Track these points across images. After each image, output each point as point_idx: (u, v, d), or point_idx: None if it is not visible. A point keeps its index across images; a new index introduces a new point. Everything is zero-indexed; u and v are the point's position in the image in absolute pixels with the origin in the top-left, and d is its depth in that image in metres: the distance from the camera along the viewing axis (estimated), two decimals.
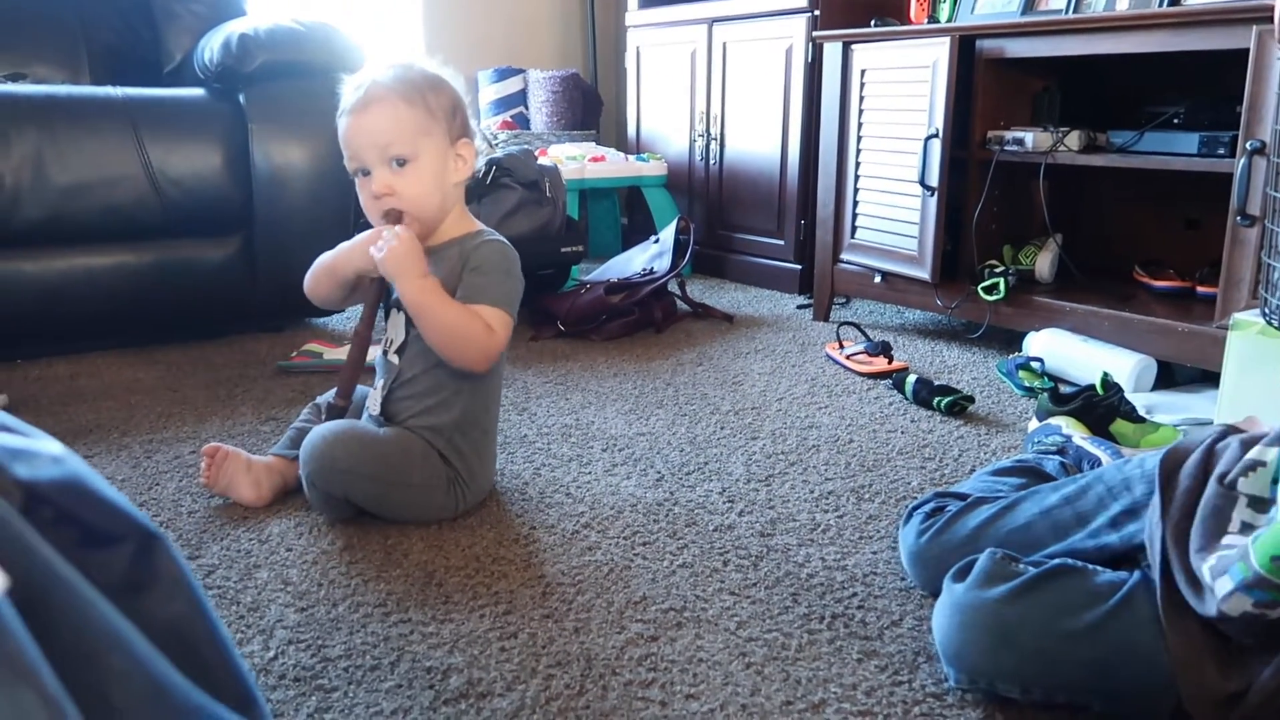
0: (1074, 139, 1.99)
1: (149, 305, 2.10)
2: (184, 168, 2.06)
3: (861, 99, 2.26)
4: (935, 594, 1.08)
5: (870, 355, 2.02)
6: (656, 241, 2.56)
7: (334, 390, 1.39)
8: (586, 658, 0.96)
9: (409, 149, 1.23)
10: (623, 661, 0.96)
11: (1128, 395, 1.60)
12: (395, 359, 1.30)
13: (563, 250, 2.45)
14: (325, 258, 1.33)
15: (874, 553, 1.19)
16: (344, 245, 1.32)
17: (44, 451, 0.44)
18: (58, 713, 0.34)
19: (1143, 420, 1.56)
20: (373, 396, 1.33)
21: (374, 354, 1.37)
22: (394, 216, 1.25)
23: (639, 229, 3.18)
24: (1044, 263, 2.13)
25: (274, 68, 2.12)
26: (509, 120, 3.36)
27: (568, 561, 1.17)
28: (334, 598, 1.08)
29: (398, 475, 1.23)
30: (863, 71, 2.25)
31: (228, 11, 2.49)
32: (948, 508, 1.10)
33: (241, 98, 2.14)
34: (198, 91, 2.18)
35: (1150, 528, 0.89)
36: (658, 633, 1.01)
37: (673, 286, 2.50)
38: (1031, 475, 1.19)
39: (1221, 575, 0.77)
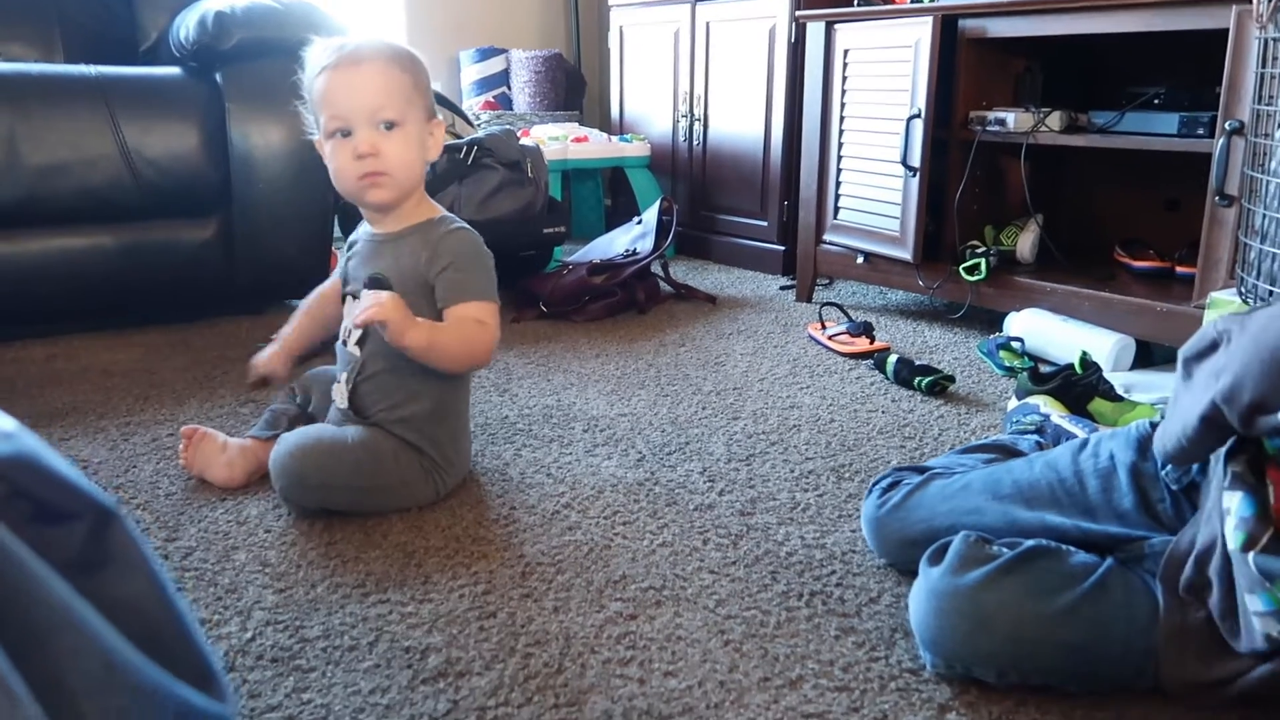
0: (1055, 119, 1.99)
1: (126, 287, 2.08)
2: (160, 148, 2.03)
3: (844, 79, 2.25)
4: (892, 563, 1.10)
5: (852, 336, 2.02)
6: (639, 223, 2.55)
7: (311, 371, 1.41)
8: (565, 636, 0.97)
9: (399, 114, 1.20)
10: (602, 640, 0.96)
11: (1106, 374, 1.61)
12: (356, 350, 1.27)
13: (545, 231, 2.44)
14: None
15: (853, 531, 1.20)
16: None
17: None
18: (6, 693, 0.34)
19: (1121, 399, 1.57)
20: (338, 389, 1.30)
21: None
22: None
23: (622, 210, 3.17)
24: (1025, 243, 2.14)
25: (252, 46, 2.09)
26: (491, 100, 3.33)
27: (548, 541, 1.17)
28: (312, 579, 1.08)
29: (372, 480, 1.21)
30: (845, 51, 2.24)
31: None
32: (904, 481, 1.11)
33: (218, 76, 2.11)
34: (174, 70, 2.15)
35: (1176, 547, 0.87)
36: (637, 611, 1.01)
37: (655, 268, 2.49)
38: (1003, 454, 1.19)
39: (1250, 595, 0.76)
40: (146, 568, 0.46)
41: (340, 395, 1.29)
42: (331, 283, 1.42)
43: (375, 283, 1.25)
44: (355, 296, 1.28)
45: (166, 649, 0.44)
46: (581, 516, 1.24)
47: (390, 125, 1.20)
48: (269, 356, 1.38)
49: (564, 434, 1.52)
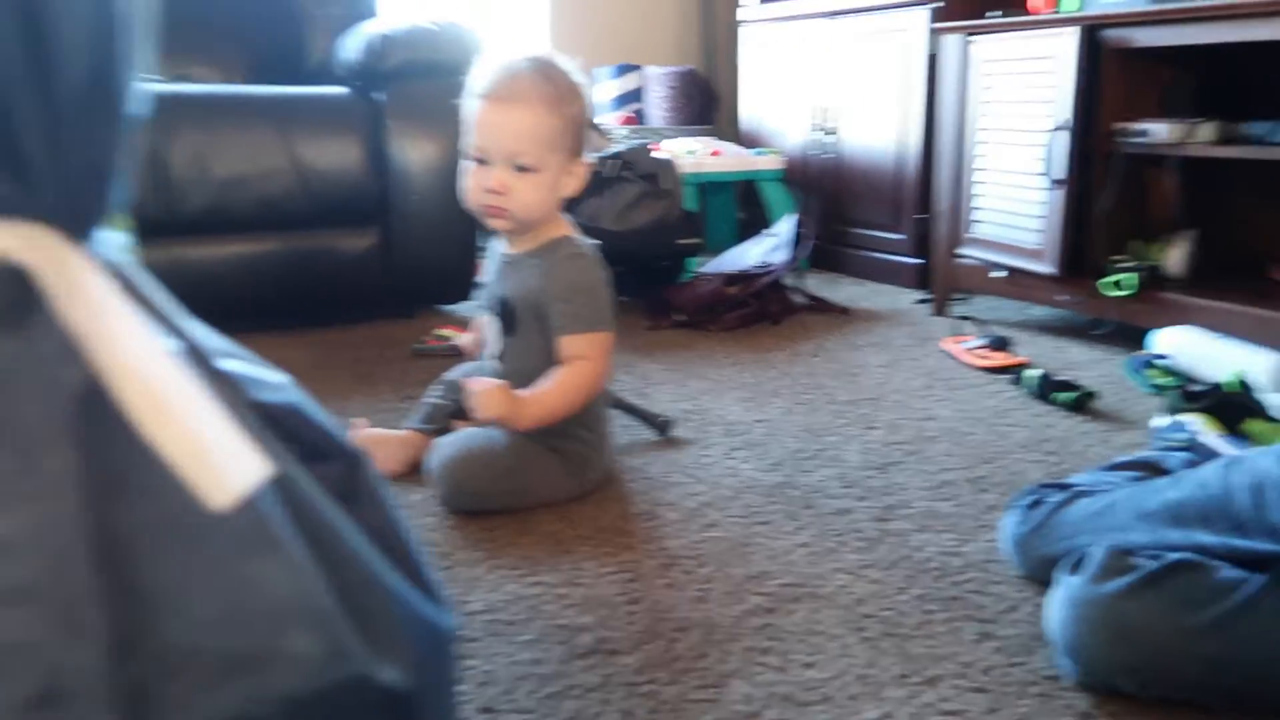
0: (1207, 130, 1.93)
1: (296, 290, 2.25)
2: (327, 162, 2.19)
3: (982, 91, 2.24)
4: (1035, 580, 1.09)
5: (989, 350, 2.01)
6: (773, 235, 2.58)
7: (460, 369, 1.54)
8: (708, 624, 1.01)
9: (536, 160, 1.24)
10: (742, 630, 1.00)
11: (1262, 395, 1.56)
12: (497, 364, 1.37)
13: (679, 242, 2.50)
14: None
15: (990, 541, 1.20)
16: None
17: (272, 379, 0.53)
18: (309, 576, 0.42)
19: (1277, 421, 1.51)
20: None
21: None
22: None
23: (755, 222, 3.21)
24: (1175, 258, 2.07)
25: (410, 66, 2.23)
26: (628, 116, 3.43)
27: (688, 537, 1.22)
28: (473, 559, 1.16)
29: (519, 482, 1.29)
30: (984, 63, 2.23)
31: (361, 13, 2.64)
32: (1048, 499, 1.10)
33: (379, 95, 2.26)
34: (340, 90, 2.32)
35: None
36: (776, 605, 1.05)
37: (789, 280, 2.52)
38: (1150, 471, 1.18)
39: None
40: (387, 504, 0.55)
41: None
42: None
43: (501, 306, 1.34)
44: (491, 312, 1.38)
45: (407, 572, 0.52)
46: (721, 515, 1.28)
47: (524, 169, 1.24)
48: (467, 343, 1.57)
49: (702, 437, 1.57)
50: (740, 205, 3.48)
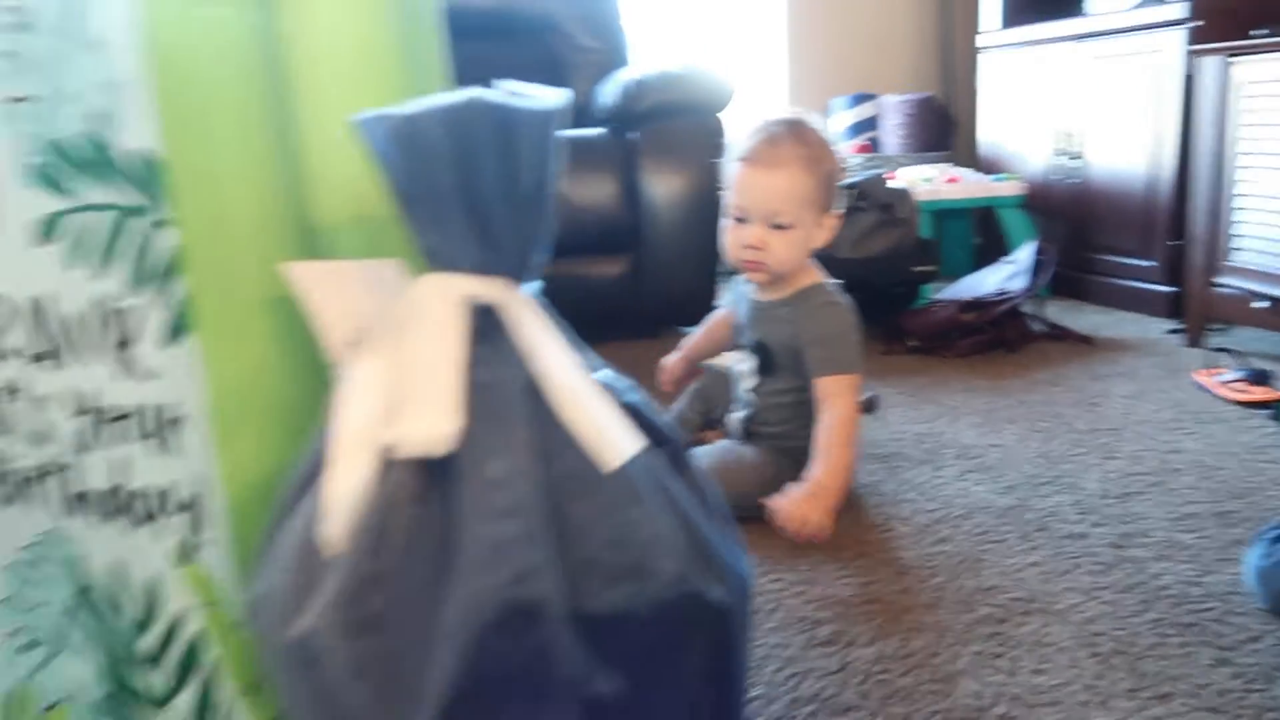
0: None
1: (564, 312, 2.49)
2: (588, 197, 2.42)
3: (1244, 114, 2.15)
4: (1277, 614, 1.10)
5: (1247, 383, 1.93)
6: (1011, 262, 2.58)
7: (700, 384, 1.71)
8: (939, 628, 1.10)
9: (793, 218, 1.35)
10: (972, 635, 1.08)
11: None
12: (753, 398, 1.50)
13: (914, 269, 2.55)
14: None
15: (1235, 573, 1.20)
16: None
17: (625, 385, 0.75)
18: (664, 521, 0.62)
19: None
20: (735, 421, 1.53)
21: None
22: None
23: (992, 249, 3.18)
24: None
25: (661, 108, 2.43)
26: (864, 144, 3.50)
27: (920, 550, 1.30)
28: None
29: (764, 493, 1.37)
30: (1246, 85, 2.14)
31: (616, 60, 2.89)
32: None
33: (633, 135, 2.47)
34: (599, 131, 2.55)
35: None
36: (1006, 616, 1.12)
37: (1028, 307, 2.50)
38: None
39: None
40: (701, 477, 0.76)
41: (737, 429, 1.53)
42: (724, 311, 1.65)
43: (759, 349, 1.47)
44: (749, 352, 1.51)
45: (719, 526, 0.73)
46: (953, 531, 1.35)
47: (781, 226, 1.36)
48: (674, 362, 1.71)
49: (934, 459, 1.64)
50: (978, 231, 3.46)
